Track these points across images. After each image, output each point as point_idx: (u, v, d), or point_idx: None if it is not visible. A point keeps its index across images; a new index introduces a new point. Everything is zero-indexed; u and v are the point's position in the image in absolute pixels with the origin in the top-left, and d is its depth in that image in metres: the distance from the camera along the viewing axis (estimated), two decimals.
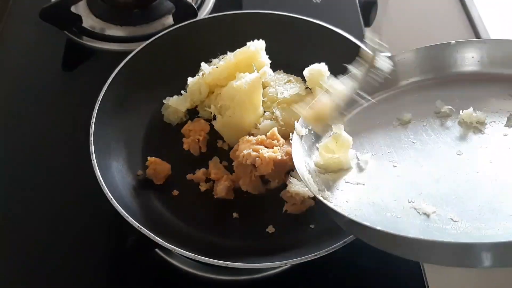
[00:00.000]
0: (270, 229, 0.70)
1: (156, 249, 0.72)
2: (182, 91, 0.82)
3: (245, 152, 0.69)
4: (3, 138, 0.86)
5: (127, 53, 0.80)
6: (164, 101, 0.81)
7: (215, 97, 0.80)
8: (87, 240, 0.74)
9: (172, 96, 0.82)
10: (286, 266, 0.71)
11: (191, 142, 0.78)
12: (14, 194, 0.79)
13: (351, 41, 0.81)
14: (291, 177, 0.71)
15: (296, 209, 0.71)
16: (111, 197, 0.64)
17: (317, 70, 0.79)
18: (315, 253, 0.59)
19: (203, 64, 0.82)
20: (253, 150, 0.69)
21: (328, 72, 0.81)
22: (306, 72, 0.80)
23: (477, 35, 1.03)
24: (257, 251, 0.66)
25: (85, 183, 0.77)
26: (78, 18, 0.98)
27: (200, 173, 0.75)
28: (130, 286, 0.71)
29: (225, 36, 0.87)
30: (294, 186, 0.69)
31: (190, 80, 0.81)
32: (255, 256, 0.63)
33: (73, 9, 0.98)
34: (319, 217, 0.71)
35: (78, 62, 0.97)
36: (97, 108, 0.73)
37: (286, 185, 0.72)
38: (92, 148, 0.68)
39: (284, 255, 0.63)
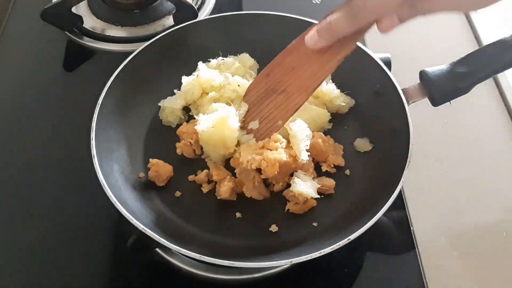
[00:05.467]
0: (273, 228, 0.70)
1: (157, 249, 0.72)
2: (175, 90, 0.82)
3: (249, 157, 0.69)
4: (4, 139, 0.86)
5: (127, 53, 0.80)
6: (159, 104, 0.81)
7: (208, 101, 0.80)
8: (88, 240, 0.74)
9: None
10: (287, 265, 0.71)
11: (183, 146, 0.77)
12: (14, 196, 0.79)
13: None
14: (295, 177, 0.71)
15: (299, 208, 0.71)
16: (115, 199, 0.64)
17: None
18: (319, 251, 0.59)
19: (200, 63, 0.82)
20: (256, 154, 0.69)
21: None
22: None
23: (476, 34, 1.04)
24: (261, 250, 0.66)
25: (85, 183, 0.78)
26: (79, 18, 0.99)
27: (202, 174, 0.75)
28: (130, 286, 0.72)
29: (226, 37, 0.87)
30: (298, 186, 0.70)
31: (184, 79, 0.81)
32: (259, 255, 0.63)
33: (74, 9, 0.98)
34: (321, 215, 0.72)
35: (78, 63, 0.97)
36: (97, 111, 0.73)
37: (288, 184, 0.72)
38: (93, 151, 0.68)
39: (288, 253, 0.63)
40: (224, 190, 0.71)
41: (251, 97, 0.74)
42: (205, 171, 0.76)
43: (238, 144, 0.75)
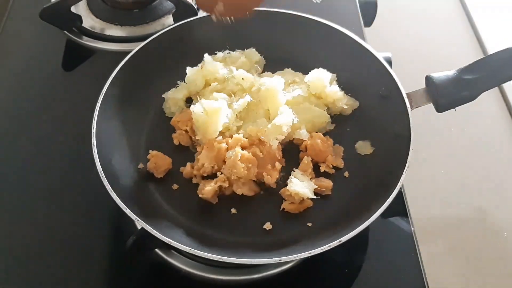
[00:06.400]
0: (268, 226, 0.70)
1: (156, 249, 0.72)
2: (179, 82, 0.83)
3: (206, 164, 0.70)
4: (4, 138, 0.85)
5: (127, 53, 0.80)
6: (163, 96, 0.82)
7: (210, 91, 0.80)
8: (88, 240, 0.74)
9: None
10: (287, 266, 0.71)
11: (179, 136, 0.77)
12: (14, 196, 0.78)
13: (354, 40, 0.81)
14: (292, 177, 0.71)
15: (294, 208, 0.71)
16: (110, 188, 0.63)
17: (317, 77, 0.79)
18: (309, 251, 0.59)
19: (206, 55, 0.82)
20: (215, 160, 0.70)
21: (331, 75, 0.81)
22: (307, 79, 0.80)
23: (476, 34, 1.03)
24: (254, 247, 0.66)
25: (86, 183, 0.78)
26: (78, 18, 0.98)
27: (188, 166, 0.75)
28: (129, 286, 0.71)
29: (229, 33, 0.86)
30: (294, 185, 0.69)
31: (189, 69, 0.81)
32: (251, 252, 0.63)
33: (73, 9, 0.98)
34: (316, 216, 0.71)
35: (78, 62, 0.97)
36: (100, 101, 0.73)
37: (286, 184, 0.72)
38: (93, 139, 0.68)
39: (279, 252, 0.63)
40: (208, 190, 0.70)
41: None
42: (190, 163, 0.75)
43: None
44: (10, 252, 0.73)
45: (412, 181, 0.80)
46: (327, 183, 0.73)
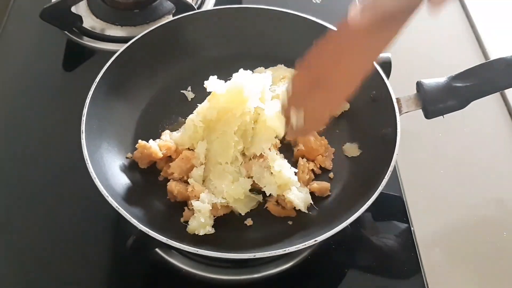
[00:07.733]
0: (249, 222, 0.70)
1: (156, 249, 0.72)
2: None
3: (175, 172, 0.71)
4: (4, 137, 0.86)
5: None
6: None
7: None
8: (87, 240, 0.74)
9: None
10: (287, 266, 0.71)
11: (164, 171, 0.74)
12: (14, 195, 0.79)
13: None
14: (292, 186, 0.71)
15: (277, 211, 0.71)
16: (94, 175, 0.64)
17: None
18: (283, 249, 0.59)
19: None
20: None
21: None
22: None
23: (478, 38, 1.03)
24: (232, 242, 0.66)
25: (86, 183, 0.77)
26: (79, 18, 0.99)
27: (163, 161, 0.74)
28: (130, 286, 0.72)
29: (222, 29, 0.87)
30: (292, 194, 0.69)
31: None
32: (229, 247, 0.64)
33: (73, 9, 0.99)
34: (297, 215, 0.71)
35: (78, 63, 0.97)
36: (93, 88, 0.73)
37: None
38: (83, 127, 0.69)
39: (256, 248, 0.63)
40: (170, 185, 0.70)
41: (294, 90, 0.65)
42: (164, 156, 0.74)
43: None
44: (9, 252, 0.73)
45: (411, 182, 0.80)
46: (325, 189, 0.73)
